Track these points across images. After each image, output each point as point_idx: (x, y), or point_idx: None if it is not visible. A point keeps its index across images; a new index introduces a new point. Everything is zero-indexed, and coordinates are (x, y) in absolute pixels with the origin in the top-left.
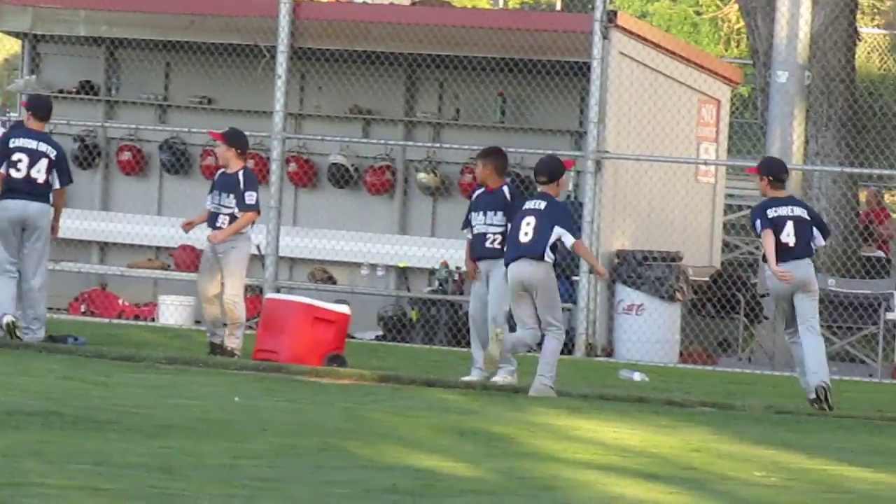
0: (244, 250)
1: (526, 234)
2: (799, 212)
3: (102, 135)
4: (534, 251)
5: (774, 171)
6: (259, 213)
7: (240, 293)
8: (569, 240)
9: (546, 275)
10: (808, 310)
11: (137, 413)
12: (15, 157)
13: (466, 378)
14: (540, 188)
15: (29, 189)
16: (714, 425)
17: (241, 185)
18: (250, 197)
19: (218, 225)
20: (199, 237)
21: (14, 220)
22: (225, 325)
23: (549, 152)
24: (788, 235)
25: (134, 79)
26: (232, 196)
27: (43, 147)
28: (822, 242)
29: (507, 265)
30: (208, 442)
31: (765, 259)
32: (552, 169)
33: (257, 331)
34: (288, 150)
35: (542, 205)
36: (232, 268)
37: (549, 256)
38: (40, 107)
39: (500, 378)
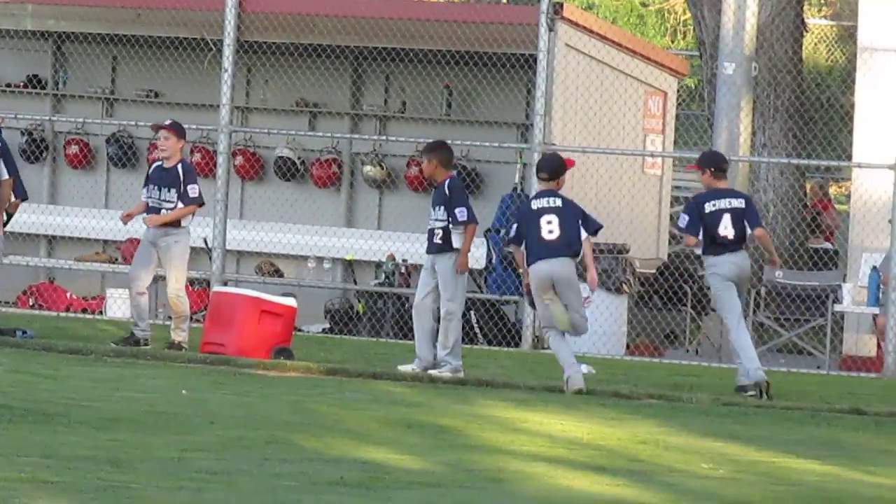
0: (186, 244)
1: (550, 231)
2: (736, 203)
3: (50, 129)
4: (566, 248)
5: (717, 163)
6: (202, 204)
7: (183, 287)
8: (582, 234)
9: (574, 271)
10: (740, 302)
11: (85, 406)
12: None
13: (404, 367)
14: (542, 185)
15: None
16: (661, 417)
17: (182, 179)
18: (193, 190)
19: None
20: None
21: None
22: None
23: (496, 145)
24: (726, 228)
25: (81, 73)
26: (173, 190)
27: None
28: (749, 232)
29: (530, 264)
30: (156, 435)
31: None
32: (554, 166)
33: (204, 324)
34: (234, 143)
35: (558, 201)
36: (175, 262)
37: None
38: None
39: (447, 372)
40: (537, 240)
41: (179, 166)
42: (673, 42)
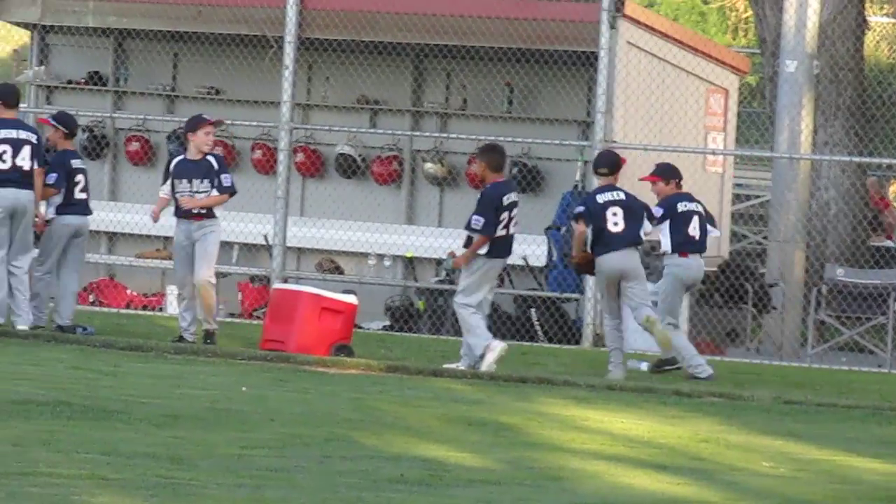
0: (219, 235)
1: (616, 224)
2: (699, 208)
3: (111, 125)
4: (632, 239)
5: (676, 174)
6: (235, 193)
7: (213, 276)
8: (647, 227)
9: (640, 262)
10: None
11: (145, 403)
12: (0, 149)
13: (451, 365)
14: (602, 181)
15: (17, 178)
16: (722, 415)
17: (217, 169)
18: (227, 179)
19: (195, 211)
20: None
21: (8, 209)
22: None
23: (557, 142)
24: (695, 229)
25: (142, 69)
26: (206, 181)
27: (24, 135)
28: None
29: (597, 255)
30: (216, 432)
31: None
32: (612, 161)
33: (265, 321)
34: (295, 140)
35: (621, 195)
36: (210, 251)
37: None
38: (9, 94)
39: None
40: (604, 232)
41: (211, 157)
42: (734, 39)
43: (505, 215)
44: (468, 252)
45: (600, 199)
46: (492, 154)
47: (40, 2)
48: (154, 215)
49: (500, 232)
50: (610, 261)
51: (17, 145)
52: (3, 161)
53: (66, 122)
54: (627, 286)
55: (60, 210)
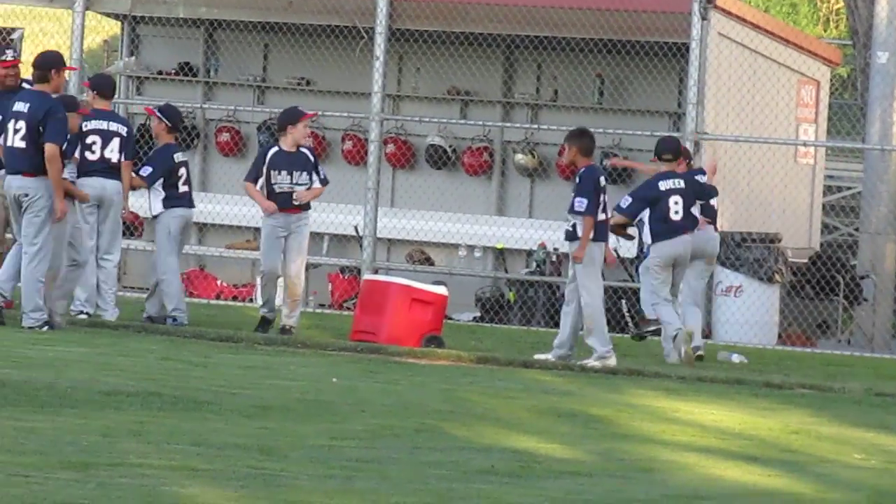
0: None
1: (676, 212)
2: (681, 184)
3: (201, 116)
4: (690, 227)
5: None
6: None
7: (303, 269)
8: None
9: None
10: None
11: (236, 394)
12: (89, 139)
13: (541, 356)
14: (666, 166)
15: (104, 168)
16: (813, 408)
17: (314, 160)
18: (322, 171)
19: (296, 203)
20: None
21: (94, 198)
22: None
23: (648, 133)
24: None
25: (232, 60)
26: (304, 173)
27: (114, 126)
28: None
29: (656, 242)
30: (306, 423)
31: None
32: (675, 147)
33: (355, 312)
34: (386, 131)
35: (681, 183)
36: (304, 244)
37: None
38: (105, 85)
39: (594, 361)
40: (665, 219)
41: (305, 149)
42: (825, 31)
43: (603, 198)
44: (583, 240)
45: (662, 186)
46: (582, 138)
47: None
48: (271, 209)
49: (601, 216)
50: (669, 247)
51: (106, 137)
52: (93, 152)
53: (170, 116)
54: (680, 270)
55: (167, 204)
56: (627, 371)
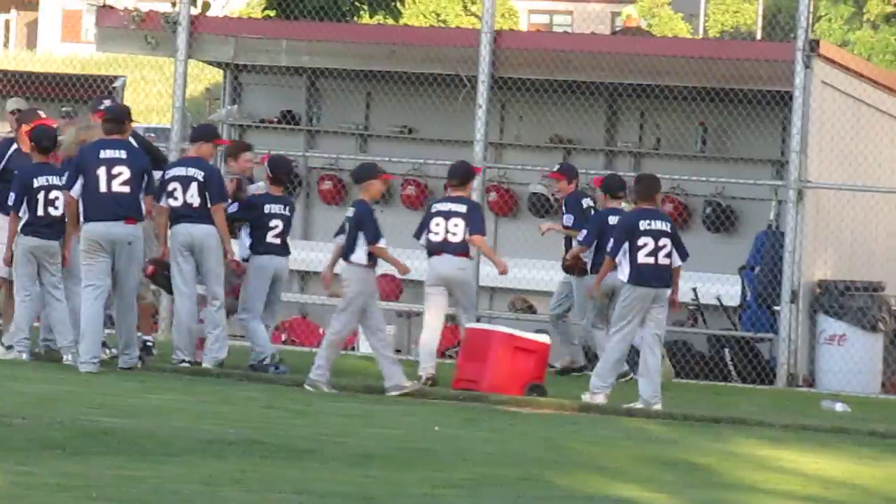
0: None
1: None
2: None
3: (303, 164)
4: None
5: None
6: None
7: None
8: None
9: None
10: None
11: (338, 442)
12: (170, 186)
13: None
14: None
15: (189, 213)
16: None
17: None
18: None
19: None
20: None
21: (183, 244)
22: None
23: (751, 182)
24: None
25: (335, 108)
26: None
27: (191, 171)
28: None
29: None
30: (409, 471)
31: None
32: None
33: (458, 360)
34: (488, 179)
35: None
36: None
37: None
38: (198, 134)
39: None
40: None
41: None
42: None
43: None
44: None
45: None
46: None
47: (233, 41)
48: (405, 270)
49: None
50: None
51: (185, 182)
52: (175, 198)
53: (274, 167)
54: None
55: (253, 250)
56: (730, 419)
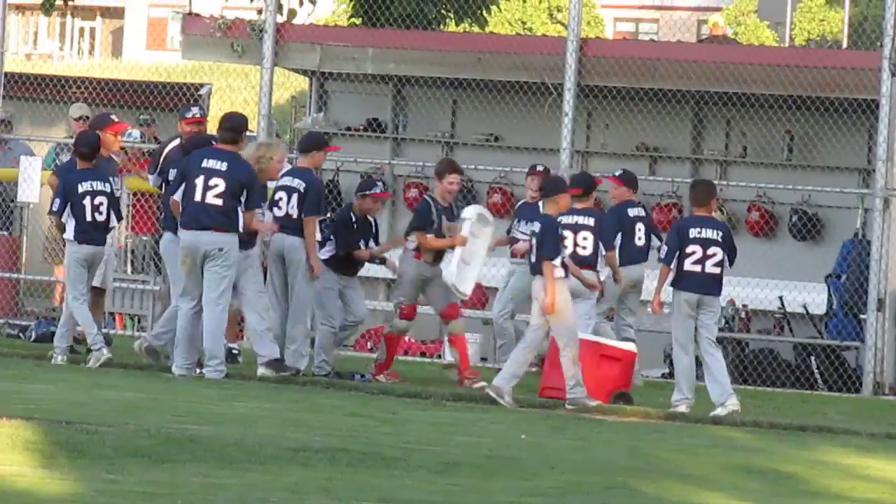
0: None
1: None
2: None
3: (389, 172)
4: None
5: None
6: None
7: None
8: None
9: None
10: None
11: (424, 450)
12: (276, 196)
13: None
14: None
15: (286, 224)
16: None
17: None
18: None
19: None
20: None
21: (277, 254)
22: None
23: (837, 190)
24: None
25: (421, 116)
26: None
27: (295, 182)
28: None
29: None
30: (495, 479)
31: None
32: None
33: (544, 368)
34: None
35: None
36: None
37: None
38: (305, 143)
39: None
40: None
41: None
42: None
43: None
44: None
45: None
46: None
47: (320, 49)
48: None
49: None
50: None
51: (289, 193)
52: (279, 208)
53: (362, 187)
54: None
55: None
56: (817, 428)
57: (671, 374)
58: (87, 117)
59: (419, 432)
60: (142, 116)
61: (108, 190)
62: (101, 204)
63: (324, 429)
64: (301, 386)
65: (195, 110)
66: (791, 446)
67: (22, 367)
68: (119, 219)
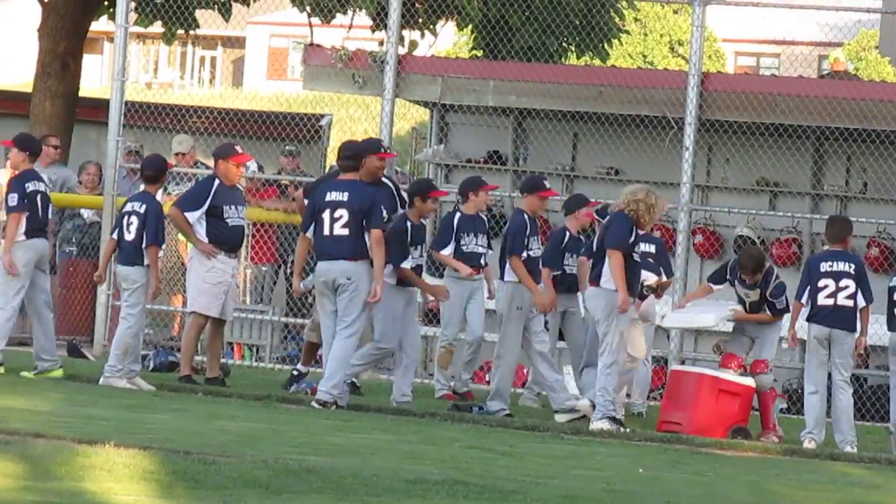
0: None
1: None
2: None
3: (509, 205)
4: None
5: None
6: None
7: None
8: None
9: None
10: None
11: (542, 483)
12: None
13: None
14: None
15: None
16: None
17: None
18: None
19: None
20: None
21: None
22: None
23: None
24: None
25: (541, 149)
26: (483, 237)
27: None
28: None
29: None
30: None
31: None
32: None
33: (662, 402)
34: (694, 221)
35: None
36: None
37: None
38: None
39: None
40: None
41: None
42: None
43: None
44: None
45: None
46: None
47: (440, 81)
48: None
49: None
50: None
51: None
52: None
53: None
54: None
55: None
56: None
57: (790, 411)
58: (184, 154)
59: (537, 465)
60: (287, 148)
61: (142, 211)
62: (130, 224)
63: (442, 461)
64: (420, 418)
65: (385, 144)
66: None
67: (139, 397)
68: (153, 242)
